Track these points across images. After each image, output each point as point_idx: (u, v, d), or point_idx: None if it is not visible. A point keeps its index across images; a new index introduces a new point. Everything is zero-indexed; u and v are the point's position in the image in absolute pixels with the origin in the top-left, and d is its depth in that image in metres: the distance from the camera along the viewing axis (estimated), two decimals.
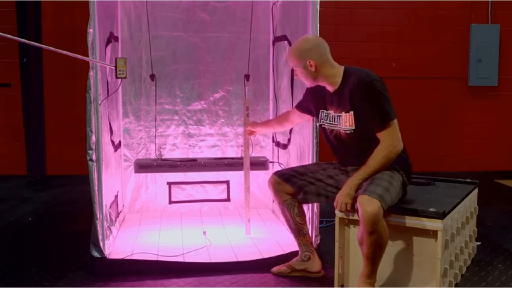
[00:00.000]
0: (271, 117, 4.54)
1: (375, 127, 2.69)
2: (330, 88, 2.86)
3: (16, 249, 3.68)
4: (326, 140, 3.00)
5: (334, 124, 2.88)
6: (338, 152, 2.96)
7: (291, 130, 3.93)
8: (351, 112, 2.75)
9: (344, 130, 2.81)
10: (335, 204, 2.75)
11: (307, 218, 3.38)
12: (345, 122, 2.79)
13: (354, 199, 2.63)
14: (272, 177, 3.10)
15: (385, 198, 2.54)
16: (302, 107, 3.17)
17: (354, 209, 2.65)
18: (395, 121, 2.69)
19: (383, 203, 2.51)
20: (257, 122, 3.66)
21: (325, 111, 2.94)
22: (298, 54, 2.84)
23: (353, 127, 2.76)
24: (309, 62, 2.80)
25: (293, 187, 3.02)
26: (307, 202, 3.07)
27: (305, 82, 2.93)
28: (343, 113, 2.80)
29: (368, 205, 2.48)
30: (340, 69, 2.84)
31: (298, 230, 3.11)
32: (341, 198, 2.70)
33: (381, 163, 2.67)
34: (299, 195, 3.03)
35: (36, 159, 6.22)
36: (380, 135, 2.69)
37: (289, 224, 3.14)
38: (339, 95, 2.81)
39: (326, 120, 2.93)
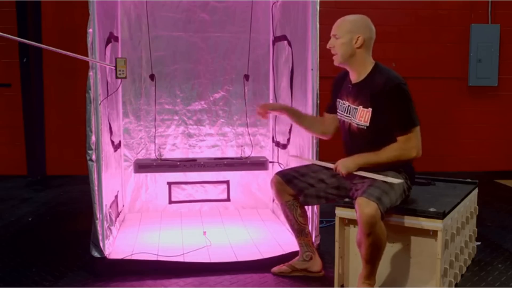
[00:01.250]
0: (271, 118, 4.53)
1: (397, 130, 2.70)
2: (354, 77, 2.84)
3: (16, 249, 3.68)
4: (341, 130, 3.00)
5: (347, 116, 2.87)
6: (347, 146, 2.95)
7: (290, 130, 3.93)
8: (370, 109, 2.73)
9: (357, 124, 2.79)
10: (334, 167, 2.85)
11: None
12: (360, 116, 2.77)
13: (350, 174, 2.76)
14: (275, 177, 3.08)
15: (383, 200, 2.54)
16: (332, 108, 3.09)
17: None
18: (418, 128, 2.71)
19: (381, 206, 2.51)
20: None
21: (341, 100, 2.94)
22: (353, 25, 2.81)
23: (367, 124, 2.75)
24: (358, 37, 2.77)
25: (294, 189, 3.01)
26: (307, 204, 3.07)
27: (337, 56, 2.83)
28: (360, 107, 2.78)
29: (366, 207, 2.48)
30: (372, 63, 2.82)
31: (300, 230, 3.10)
32: (339, 167, 2.81)
33: (388, 159, 2.70)
34: (300, 197, 3.02)
35: (36, 159, 6.22)
36: (399, 139, 2.70)
37: (291, 224, 3.13)
38: (360, 88, 2.80)
39: (341, 110, 2.93)
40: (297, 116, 3.22)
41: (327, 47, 2.87)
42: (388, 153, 2.70)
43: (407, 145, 2.70)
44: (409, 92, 2.70)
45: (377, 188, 2.59)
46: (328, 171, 2.97)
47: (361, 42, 2.77)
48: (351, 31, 2.79)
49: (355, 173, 2.77)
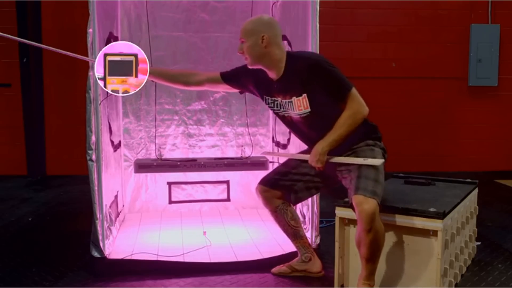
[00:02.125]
0: (271, 117, 4.55)
1: (338, 101, 2.69)
2: (273, 75, 2.81)
3: (16, 249, 3.68)
4: (283, 123, 2.99)
5: (284, 111, 2.85)
6: (303, 136, 2.95)
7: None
8: (304, 95, 2.72)
9: (298, 114, 2.78)
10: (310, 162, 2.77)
11: (307, 218, 3.39)
12: (299, 106, 2.75)
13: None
14: (259, 187, 3.06)
15: (378, 192, 2.56)
16: (234, 80, 3.04)
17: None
18: (354, 89, 2.69)
19: (378, 199, 2.54)
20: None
21: (270, 98, 2.90)
22: (255, 26, 2.78)
23: (309, 109, 2.73)
24: (263, 37, 2.74)
25: (281, 190, 3.00)
26: (300, 200, 3.07)
27: (248, 59, 2.81)
28: (293, 98, 2.75)
29: (365, 204, 2.50)
30: (284, 56, 2.80)
31: (295, 233, 3.09)
32: (313, 164, 2.74)
33: (347, 130, 2.68)
34: (290, 196, 3.01)
35: (36, 159, 6.22)
36: (344, 106, 2.70)
37: (285, 229, 3.11)
38: (285, 82, 2.78)
39: (275, 107, 2.89)
40: (158, 74, 3.09)
41: (238, 53, 2.86)
42: (342, 124, 2.68)
43: (354, 109, 2.68)
44: (330, 62, 2.70)
45: (367, 179, 2.59)
46: (306, 163, 2.90)
47: (267, 41, 2.75)
48: (254, 33, 2.76)
49: (334, 161, 2.74)
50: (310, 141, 2.87)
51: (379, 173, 2.65)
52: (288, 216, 3.05)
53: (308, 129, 2.83)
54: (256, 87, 2.97)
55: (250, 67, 2.86)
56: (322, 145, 2.71)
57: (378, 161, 2.66)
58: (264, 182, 3.06)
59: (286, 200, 3.03)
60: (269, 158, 4.43)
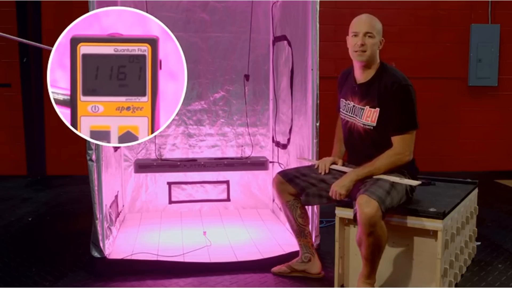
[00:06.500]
0: (271, 117, 4.55)
1: (394, 129, 2.71)
2: (360, 77, 2.85)
3: (16, 249, 3.68)
4: (342, 130, 3.01)
5: (352, 117, 2.86)
6: (351, 147, 2.95)
7: (290, 130, 3.93)
8: (377, 109, 2.74)
9: (363, 124, 2.80)
10: (330, 193, 2.76)
11: None
12: (367, 116, 2.78)
13: (350, 191, 2.71)
14: (276, 177, 3.08)
15: (385, 200, 2.53)
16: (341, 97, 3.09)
17: (347, 197, 2.73)
18: (415, 132, 2.73)
19: (382, 206, 2.50)
20: (335, 158, 3.08)
21: (344, 100, 2.93)
22: (381, 27, 2.87)
23: (374, 124, 2.75)
24: (382, 40, 2.84)
25: (295, 188, 3.00)
26: (309, 204, 3.06)
27: (365, 53, 2.79)
28: (367, 107, 2.78)
29: (366, 207, 2.48)
30: (379, 63, 2.86)
31: (300, 231, 3.09)
32: (337, 188, 2.72)
33: (386, 167, 2.71)
34: (302, 196, 3.02)
35: (36, 159, 6.22)
36: (395, 139, 2.71)
37: (291, 224, 3.12)
38: (367, 88, 2.80)
39: (345, 110, 2.92)
40: (342, 151, 3.12)
41: (360, 43, 2.80)
42: (384, 160, 2.71)
43: (403, 149, 2.72)
44: (415, 94, 2.73)
45: (380, 188, 2.59)
46: (329, 173, 2.97)
47: (382, 45, 2.84)
48: (380, 33, 2.85)
49: (375, 177, 2.72)
50: (355, 155, 2.89)
51: (394, 190, 2.64)
52: (297, 213, 3.06)
53: (361, 143, 2.84)
54: (340, 89, 3.01)
55: (364, 60, 2.83)
56: (353, 177, 2.72)
57: (415, 182, 2.67)
58: (283, 174, 3.08)
59: (298, 198, 3.04)
60: (268, 159, 4.44)
